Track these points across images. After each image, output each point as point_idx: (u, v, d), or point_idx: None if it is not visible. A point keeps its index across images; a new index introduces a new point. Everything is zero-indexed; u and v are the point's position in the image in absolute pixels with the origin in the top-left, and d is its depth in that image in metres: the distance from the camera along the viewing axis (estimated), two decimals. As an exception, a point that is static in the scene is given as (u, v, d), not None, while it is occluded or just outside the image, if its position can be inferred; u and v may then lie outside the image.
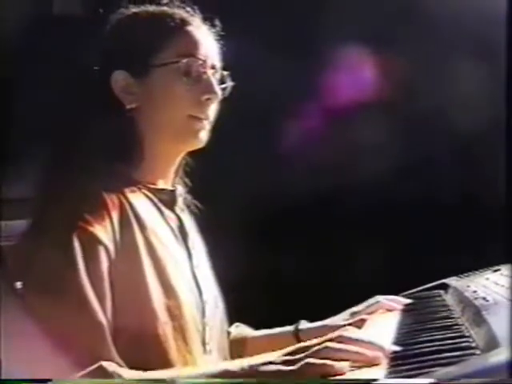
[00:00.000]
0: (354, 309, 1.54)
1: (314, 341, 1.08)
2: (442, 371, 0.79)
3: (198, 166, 1.46)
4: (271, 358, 1.09)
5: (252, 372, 1.08)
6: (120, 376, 1.11)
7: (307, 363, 1.03)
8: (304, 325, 1.55)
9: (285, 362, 1.06)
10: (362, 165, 2.24)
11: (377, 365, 1.02)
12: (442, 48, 2.20)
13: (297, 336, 1.52)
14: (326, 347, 1.05)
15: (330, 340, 1.06)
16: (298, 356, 1.05)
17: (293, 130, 2.31)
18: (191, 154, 1.44)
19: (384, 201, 2.20)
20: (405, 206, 2.18)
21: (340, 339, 1.06)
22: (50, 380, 1.08)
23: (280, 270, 2.19)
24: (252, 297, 1.99)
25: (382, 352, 1.04)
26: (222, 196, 2.10)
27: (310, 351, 1.05)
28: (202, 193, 1.48)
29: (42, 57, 1.95)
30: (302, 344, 1.10)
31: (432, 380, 0.78)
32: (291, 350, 1.08)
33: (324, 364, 1.02)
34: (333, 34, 2.23)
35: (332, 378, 1.00)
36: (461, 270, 1.67)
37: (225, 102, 1.40)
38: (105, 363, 1.12)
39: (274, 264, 2.18)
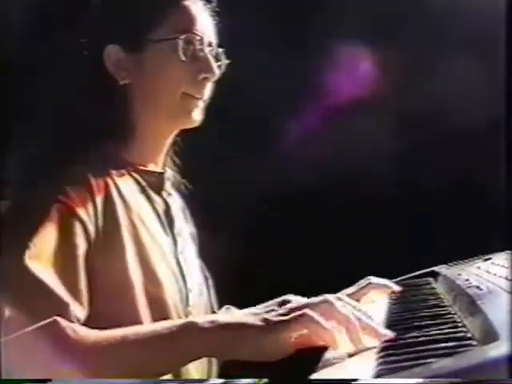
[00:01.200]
0: (347, 291, 1.49)
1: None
2: (439, 364, 0.75)
3: (192, 151, 1.44)
4: (255, 310, 1.08)
5: (225, 325, 1.05)
6: (74, 330, 1.06)
7: (304, 314, 1.01)
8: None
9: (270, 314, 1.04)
10: (362, 163, 2.23)
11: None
12: (442, 47, 2.18)
13: None
14: (327, 301, 1.04)
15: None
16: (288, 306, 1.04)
17: (290, 122, 2.29)
18: (184, 134, 1.41)
19: (383, 198, 2.19)
20: (404, 205, 2.17)
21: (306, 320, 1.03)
22: (49, 380, 1.04)
23: (271, 257, 2.16)
24: (242, 283, 1.96)
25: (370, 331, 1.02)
26: (214, 182, 2.08)
27: (307, 302, 1.05)
28: (194, 177, 1.46)
29: (31, 31, 1.90)
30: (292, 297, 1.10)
31: (420, 380, 0.75)
32: (279, 300, 1.09)
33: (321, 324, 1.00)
34: (332, 31, 2.20)
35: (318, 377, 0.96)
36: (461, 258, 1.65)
37: (224, 92, 1.37)
38: (59, 318, 1.07)
39: (265, 251, 2.16)
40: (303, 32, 2.24)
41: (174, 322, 1.11)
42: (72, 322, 1.10)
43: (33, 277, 1.11)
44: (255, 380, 1.29)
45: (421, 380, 0.75)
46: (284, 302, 1.10)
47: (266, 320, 1.03)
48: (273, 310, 1.07)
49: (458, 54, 2.17)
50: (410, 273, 1.70)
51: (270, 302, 1.12)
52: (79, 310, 1.13)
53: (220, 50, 1.37)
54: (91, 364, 1.05)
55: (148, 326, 1.15)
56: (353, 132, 2.23)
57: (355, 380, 0.88)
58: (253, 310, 1.10)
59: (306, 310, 1.03)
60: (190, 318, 1.12)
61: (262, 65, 2.13)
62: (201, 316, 1.36)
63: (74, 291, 1.14)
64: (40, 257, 1.12)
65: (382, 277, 1.53)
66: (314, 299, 1.07)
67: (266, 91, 2.16)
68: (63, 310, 1.11)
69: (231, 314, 1.08)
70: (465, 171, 2.15)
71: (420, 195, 2.17)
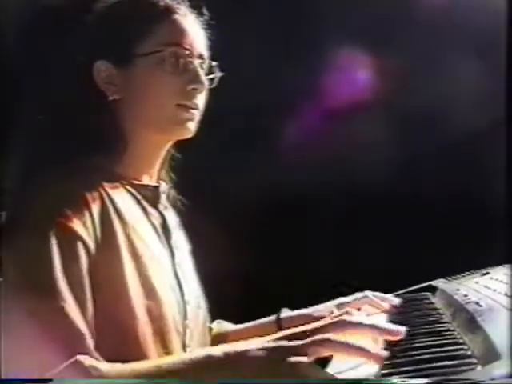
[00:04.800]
0: (341, 299, 1.49)
1: (309, 327, 1.01)
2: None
3: (188, 162, 1.43)
4: (261, 344, 1.01)
5: (238, 358, 1.01)
6: (97, 369, 1.06)
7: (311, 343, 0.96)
8: (286, 313, 1.51)
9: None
10: (361, 164, 2.23)
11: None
12: (442, 47, 2.18)
13: (279, 325, 1.49)
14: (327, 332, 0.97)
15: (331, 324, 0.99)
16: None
17: (287, 127, 2.29)
18: (178, 146, 1.40)
19: (382, 200, 2.18)
20: (404, 205, 2.16)
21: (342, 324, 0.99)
22: (50, 380, 1.04)
23: (267, 268, 2.16)
24: (237, 295, 1.96)
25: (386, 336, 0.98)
26: (211, 192, 2.07)
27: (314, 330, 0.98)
28: (191, 189, 1.45)
29: (22, 45, 1.90)
30: (293, 330, 1.02)
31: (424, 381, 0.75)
32: (281, 336, 1.01)
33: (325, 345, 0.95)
34: (332, 33, 2.21)
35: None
36: (460, 270, 1.64)
37: (218, 97, 1.37)
38: (80, 357, 1.07)
39: (261, 262, 2.15)
40: (303, 33, 2.24)
41: (193, 354, 1.09)
42: (89, 351, 1.11)
43: (50, 306, 1.11)
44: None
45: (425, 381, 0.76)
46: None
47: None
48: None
49: (458, 55, 2.18)
50: (409, 284, 1.69)
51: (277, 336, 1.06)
52: (91, 337, 1.13)
53: (213, 62, 1.38)
54: None
55: (168, 358, 1.15)
56: (352, 135, 2.23)
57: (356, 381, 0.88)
58: (261, 342, 1.04)
59: (328, 335, 0.98)
60: (206, 351, 1.08)
61: (261, 67, 2.13)
62: (199, 328, 1.37)
63: (85, 317, 1.14)
64: (53, 285, 1.12)
65: (381, 287, 1.54)
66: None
67: (266, 93, 2.17)
68: (80, 341, 1.11)
69: (222, 328, 1.08)
70: (465, 175, 2.16)
71: (419, 202, 2.17)
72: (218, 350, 1.04)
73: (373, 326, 0.97)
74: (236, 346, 1.05)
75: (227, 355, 1.02)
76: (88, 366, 1.06)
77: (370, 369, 0.99)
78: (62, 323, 1.11)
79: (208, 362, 1.03)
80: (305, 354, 0.96)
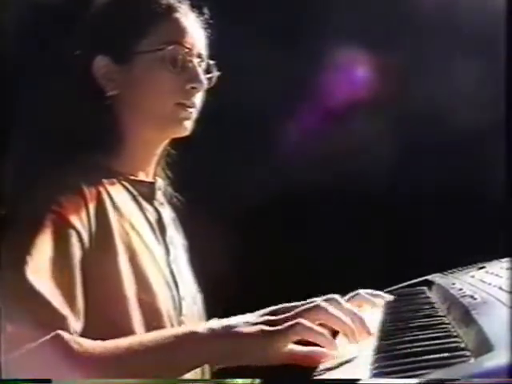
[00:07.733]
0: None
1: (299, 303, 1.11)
2: (432, 375, 0.75)
3: (184, 159, 1.44)
4: (249, 319, 1.07)
5: (224, 334, 1.06)
6: (78, 343, 1.06)
7: (298, 323, 1.03)
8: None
9: (266, 323, 1.06)
10: (361, 164, 2.22)
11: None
12: (441, 47, 2.18)
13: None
14: (317, 306, 1.07)
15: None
16: (282, 316, 1.06)
17: (284, 126, 2.28)
18: (175, 143, 1.40)
19: (382, 199, 2.18)
20: (404, 205, 2.16)
21: (333, 302, 1.09)
22: (49, 380, 1.04)
23: (264, 267, 2.16)
24: (234, 293, 1.95)
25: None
26: (207, 190, 2.07)
27: (299, 309, 1.07)
28: (188, 186, 1.45)
29: (21, 40, 1.90)
30: (286, 305, 1.11)
31: (417, 380, 0.75)
32: (272, 309, 1.09)
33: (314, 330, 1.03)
34: (331, 32, 2.20)
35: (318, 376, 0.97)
36: (458, 265, 1.64)
37: (215, 96, 1.37)
38: (61, 332, 1.07)
39: (259, 260, 2.15)
40: (302, 33, 2.24)
41: (176, 330, 1.13)
42: (70, 333, 1.10)
43: (31, 290, 1.10)
44: (249, 380, 1.29)
45: (421, 380, 0.76)
46: (275, 312, 1.11)
47: (262, 330, 1.05)
48: (267, 320, 1.08)
49: (457, 55, 2.17)
50: (407, 279, 1.69)
51: (263, 311, 1.13)
52: (76, 323, 1.14)
53: (211, 62, 1.38)
54: (97, 375, 1.05)
55: (151, 334, 1.14)
56: (351, 134, 2.23)
57: (355, 380, 0.88)
58: (247, 318, 1.10)
59: (299, 320, 1.04)
60: (191, 327, 1.12)
61: (260, 66, 2.13)
62: (199, 324, 1.36)
63: (71, 303, 1.14)
64: (37, 269, 1.12)
65: (379, 283, 1.53)
66: (305, 306, 1.10)
67: (265, 93, 2.16)
68: (61, 323, 1.11)
69: (227, 323, 1.08)
70: (464, 174, 2.15)
71: (418, 200, 2.17)
72: (204, 327, 1.08)
73: (326, 338, 1.05)
74: (224, 321, 1.09)
75: (212, 331, 1.06)
76: (69, 339, 1.06)
77: (362, 361, 0.98)
78: (39, 304, 1.10)
79: (190, 339, 1.07)
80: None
